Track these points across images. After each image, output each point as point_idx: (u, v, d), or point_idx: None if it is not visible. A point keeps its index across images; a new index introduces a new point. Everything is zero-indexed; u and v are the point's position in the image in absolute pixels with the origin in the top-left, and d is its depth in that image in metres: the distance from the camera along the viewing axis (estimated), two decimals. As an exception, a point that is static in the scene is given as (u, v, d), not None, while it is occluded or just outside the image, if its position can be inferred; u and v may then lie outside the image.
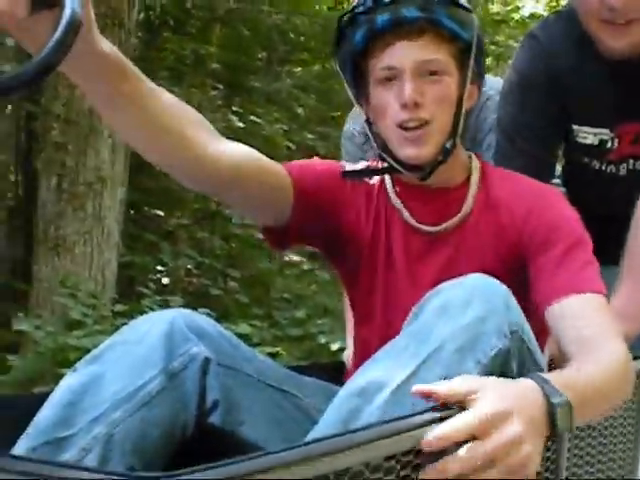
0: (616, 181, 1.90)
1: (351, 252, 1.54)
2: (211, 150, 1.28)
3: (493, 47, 8.11)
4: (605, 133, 1.85)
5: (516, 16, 9.07)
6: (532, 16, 8.47)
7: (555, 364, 1.59)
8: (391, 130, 1.45)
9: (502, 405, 0.96)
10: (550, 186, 1.57)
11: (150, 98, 1.19)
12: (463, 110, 1.47)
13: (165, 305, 4.76)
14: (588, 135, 1.86)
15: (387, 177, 1.56)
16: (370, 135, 1.52)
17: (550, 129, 1.86)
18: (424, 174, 1.47)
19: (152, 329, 1.30)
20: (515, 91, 1.87)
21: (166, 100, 1.22)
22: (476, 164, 1.56)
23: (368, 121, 1.52)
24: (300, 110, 7.56)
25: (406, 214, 1.53)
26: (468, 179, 1.54)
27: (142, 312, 4.34)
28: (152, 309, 4.54)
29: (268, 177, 1.40)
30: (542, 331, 1.41)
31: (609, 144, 1.86)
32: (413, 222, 1.52)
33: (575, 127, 1.87)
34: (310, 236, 1.54)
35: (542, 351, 1.42)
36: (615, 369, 1.22)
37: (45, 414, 1.19)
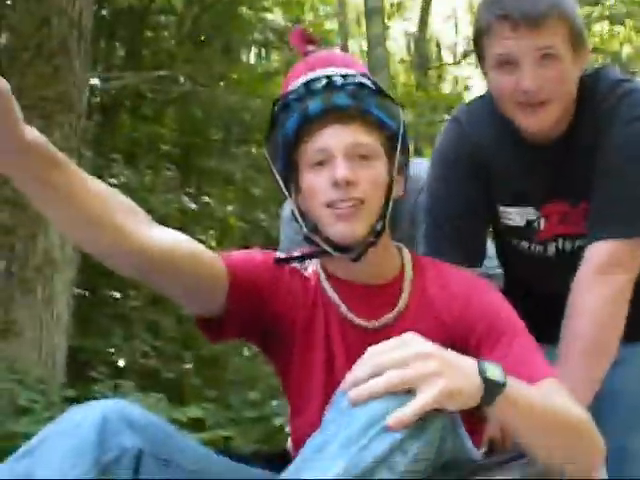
0: (546, 261, 1.89)
1: (285, 344, 1.51)
2: (142, 237, 1.27)
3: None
4: (531, 213, 1.84)
5: (466, 96, 9.35)
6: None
7: (495, 447, 1.58)
8: (320, 210, 1.45)
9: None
10: (478, 277, 1.58)
11: (79, 187, 1.19)
12: (392, 196, 1.49)
13: (117, 389, 4.67)
14: (514, 216, 1.86)
15: (321, 271, 1.55)
16: (300, 220, 1.51)
17: (477, 214, 1.85)
18: (355, 255, 1.45)
19: (84, 421, 1.26)
20: (439, 175, 1.87)
21: (96, 189, 1.22)
22: (408, 257, 1.56)
23: (298, 207, 1.51)
24: (256, 191, 7.60)
25: (343, 308, 1.52)
26: (401, 273, 1.53)
27: (93, 397, 4.25)
28: (103, 394, 4.45)
29: (202, 265, 1.38)
30: (476, 430, 1.42)
31: (536, 224, 1.85)
32: (350, 316, 1.51)
33: (501, 208, 1.87)
34: (245, 327, 1.50)
35: (478, 448, 1.42)
36: (576, 418, 1.27)
37: None
